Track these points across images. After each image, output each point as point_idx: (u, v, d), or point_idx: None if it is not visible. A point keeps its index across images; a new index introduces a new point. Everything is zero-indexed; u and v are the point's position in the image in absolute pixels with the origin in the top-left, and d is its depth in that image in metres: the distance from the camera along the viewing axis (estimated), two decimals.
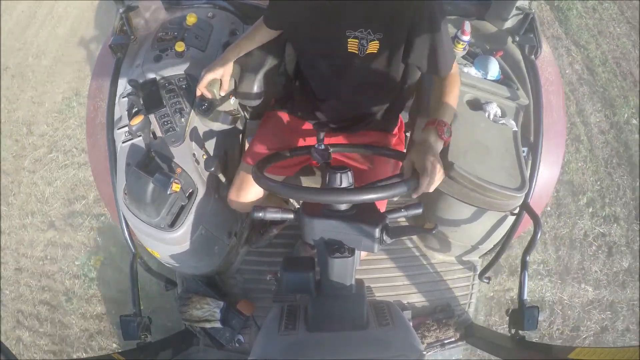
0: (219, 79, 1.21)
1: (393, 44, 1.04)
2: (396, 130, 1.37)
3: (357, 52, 1.05)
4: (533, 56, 1.47)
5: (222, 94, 1.24)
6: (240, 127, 1.70)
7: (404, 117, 1.47)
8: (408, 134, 1.56)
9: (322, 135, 1.12)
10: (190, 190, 1.24)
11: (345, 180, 0.91)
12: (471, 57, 1.46)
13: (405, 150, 1.41)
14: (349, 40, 1.03)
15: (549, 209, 2.43)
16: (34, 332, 2.34)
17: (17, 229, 2.62)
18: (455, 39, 1.42)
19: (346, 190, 0.88)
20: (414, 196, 0.90)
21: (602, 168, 2.68)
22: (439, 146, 0.95)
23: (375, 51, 1.05)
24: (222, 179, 1.34)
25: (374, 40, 1.03)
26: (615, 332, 2.24)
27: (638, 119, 2.76)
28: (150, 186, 1.13)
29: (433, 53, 1.03)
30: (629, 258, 2.40)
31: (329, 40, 1.06)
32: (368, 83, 1.16)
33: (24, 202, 2.72)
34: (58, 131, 2.93)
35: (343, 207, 0.91)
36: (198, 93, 1.22)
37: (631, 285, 2.34)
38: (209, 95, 1.22)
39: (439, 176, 0.90)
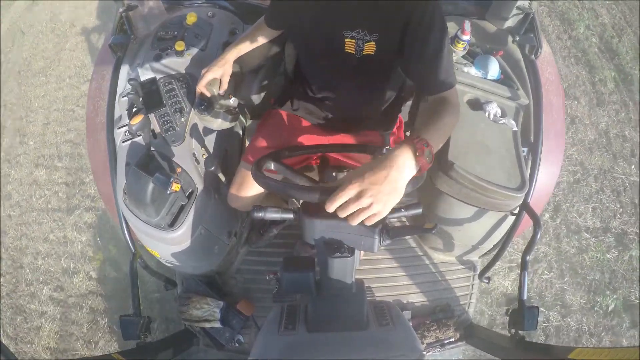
0: (218, 78, 1.21)
1: (389, 46, 1.02)
2: (395, 129, 1.37)
3: (353, 52, 1.05)
4: (533, 56, 1.47)
5: (222, 93, 1.24)
6: (240, 127, 1.70)
7: (403, 116, 1.47)
8: (407, 134, 1.56)
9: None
10: (190, 190, 1.24)
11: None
12: (471, 56, 1.46)
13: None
14: (346, 40, 1.03)
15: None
16: (51, 169, 2.58)
17: (53, 92, 2.97)
18: (456, 38, 1.42)
19: None
20: (328, 208, 0.74)
21: (560, 61, 2.87)
22: (408, 169, 0.75)
23: (372, 52, 1.04)
24: (222, 178, 1.34)
25: (370, 41, 1.02)
26: (589, 187, 2.39)
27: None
28: (150, 186, 1.13)
29: (425, 67, 0.96)
30: (594, 132, 2.60)
31: (327, 39, 1.06)
32: (366, 83, 1.16)
33: (62, 72, 3.01)
34: (102, 20, 3.24)
35: None
36: (198, 92, 1.22)
37: (599, 155, 2.57)
38: (208, 95, 1.22)
39: (360, 205, 0.72)
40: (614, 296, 2.20)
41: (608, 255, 2.28)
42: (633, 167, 2.58)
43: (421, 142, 0.77)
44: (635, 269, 2.28)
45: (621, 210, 2.43)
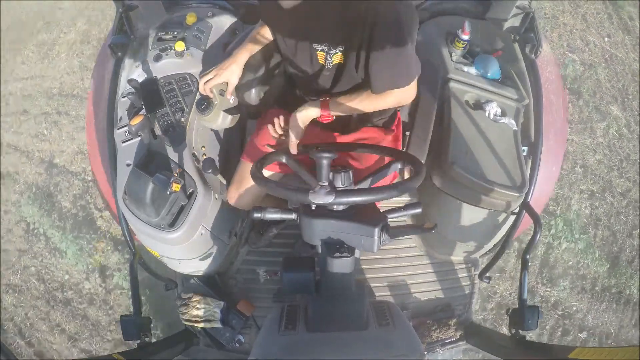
0: (226, 82, 1.20)
1: (354, 55, 1.04)
2: (394, 126, 1.36)
3: (323, 63, 1.08)
4: (533, 55, 1.47)
5: (229, 96, 1.23)
6: (240, 126, 1.70)
7: (403, 115, 1.47)
8: (407, 133, 1.56)
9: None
10: (190, 190, 1.24)
11: (343, 180, 0.91)
12: (471, 56, 1.46)
13: (403, 149, 1.41)
14: (317, 52, 1.07)
15: None
16: None
17: None
18: (456, 38, 1.42)
19: (343, 192, 0.87)
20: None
21: None
22: (310, 112, 1.08)
23: (341, 62, 1.07)
24: (221, 179, 1.34)
25: (336, 53, 1.05)
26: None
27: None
28: (150, 186, 1.13)
29: (377, 71, 1.02)
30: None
31: (301, 50, 1.10)
32: (348, 88, 1.16)
33: None
34: None
35: (342, 206, 0.91)
36: (202, 93, 1.21)
37: None
38: (211, 96, 1.22)
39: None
40: None
41: None
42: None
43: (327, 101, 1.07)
44: None
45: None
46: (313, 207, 0.92)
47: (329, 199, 0.81)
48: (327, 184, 0.85)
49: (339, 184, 0.92)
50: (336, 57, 1.06)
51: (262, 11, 1.19)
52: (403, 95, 1.08)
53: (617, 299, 2.26)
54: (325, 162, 0.86)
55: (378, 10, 0.94)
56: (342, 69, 1.08)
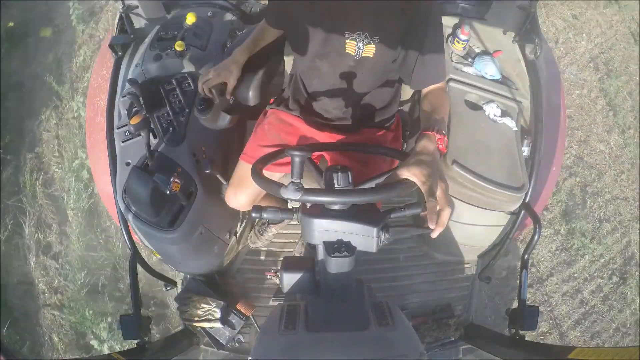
0: (225, 82, 1.20)
1: (388, 49, 1.06)
2: (393, 126, 1.37)
3: (353, 53, 1.07)
4: (533, 56, 1.46)
5: (228, 97, 1.24)
6: (240, 126, 1.70)
7: (403, 114, 1.47)
8: (407, 132, 1.55)
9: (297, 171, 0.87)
10: (190, 190, 1.24)
11: (339, 180, 0.91)
12: (471, 56, 1.46)
13: (403, 149, 1.41)
14: (346, 41, 1.05)
15: None
16: None
17: None
18: (455, 38, 1.42)
19: (343, 192, 0.87)
20: (432, 227, 0.84)
21: None
22: (438, 156, 0.90)
23: (371, 55, 1.06)
24: (221, 179, 1.34)
25: (370, 44, 1.05)
26: None
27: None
28: (150, 186, 1.13)
29: (419, 67, 1.06)
30: None
31: (327, 39, 1.08)
32: (361, 83, 1.17)
33: None
34: None
35: (339, 206, 0.91)
36: (201, 92, 1.22)
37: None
38: (210, 96, 1.22)
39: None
40: None
41: None
42: None
43: (436, 132, 0.92)
44: None
45: None
46: (308, 206, 0.92)
47: (297, 195, 0.83)
48: (299, 181, 0.85)
49: (335, 183, 0.92)
50: (368, 49, 1.06)
51: (272, 5, 1.17)
52: (445, 88, 1.12)
53: (566, 255, 2.18)
54: (297, 160, 0.86)
55: (420, 4, 1.00)
56: (369, 62, 1.08)
